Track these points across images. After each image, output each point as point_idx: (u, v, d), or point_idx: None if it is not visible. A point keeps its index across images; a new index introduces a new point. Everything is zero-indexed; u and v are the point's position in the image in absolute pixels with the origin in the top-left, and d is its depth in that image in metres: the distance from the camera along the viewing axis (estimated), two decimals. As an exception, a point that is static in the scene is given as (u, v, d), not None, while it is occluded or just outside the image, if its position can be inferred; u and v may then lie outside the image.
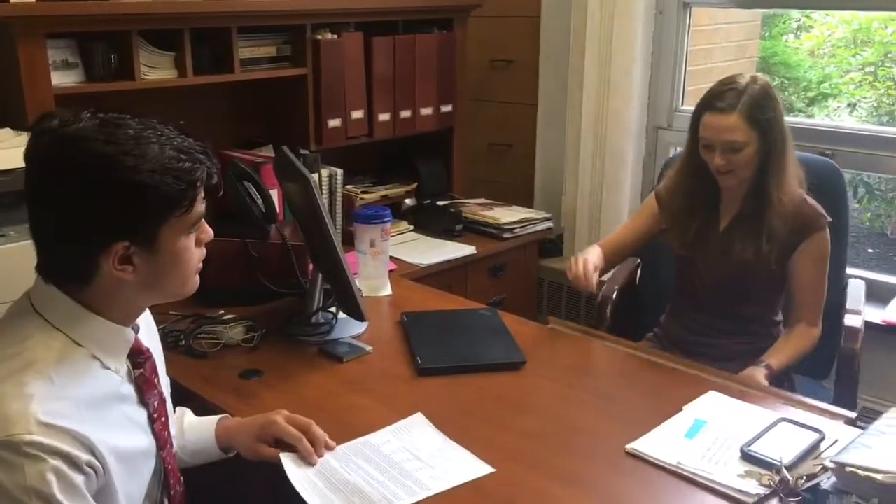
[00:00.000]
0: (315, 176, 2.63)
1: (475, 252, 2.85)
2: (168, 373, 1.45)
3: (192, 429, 1.53)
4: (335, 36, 2.71)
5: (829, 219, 2.03)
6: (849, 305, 2.22)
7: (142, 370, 1.30)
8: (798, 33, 5.19)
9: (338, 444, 1.47)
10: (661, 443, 1.49)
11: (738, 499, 1.33)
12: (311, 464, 1.42)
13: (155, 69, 2.33)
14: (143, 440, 1.30)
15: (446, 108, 3.09)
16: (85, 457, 1.13)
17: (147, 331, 1.37)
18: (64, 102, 2.14)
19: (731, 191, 2.06)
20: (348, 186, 2.87)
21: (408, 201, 3.08)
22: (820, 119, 4.70)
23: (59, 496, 1.08)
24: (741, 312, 2.14)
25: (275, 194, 2.26)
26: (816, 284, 2.07)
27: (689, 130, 2.06)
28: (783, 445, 1.43)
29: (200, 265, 1.30)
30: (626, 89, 3.00)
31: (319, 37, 2.66)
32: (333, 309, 1.99)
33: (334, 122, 2.75)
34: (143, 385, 1.30)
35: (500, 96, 3.52)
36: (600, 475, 1.42)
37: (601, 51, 3.02)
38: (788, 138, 2.00)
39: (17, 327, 1.20)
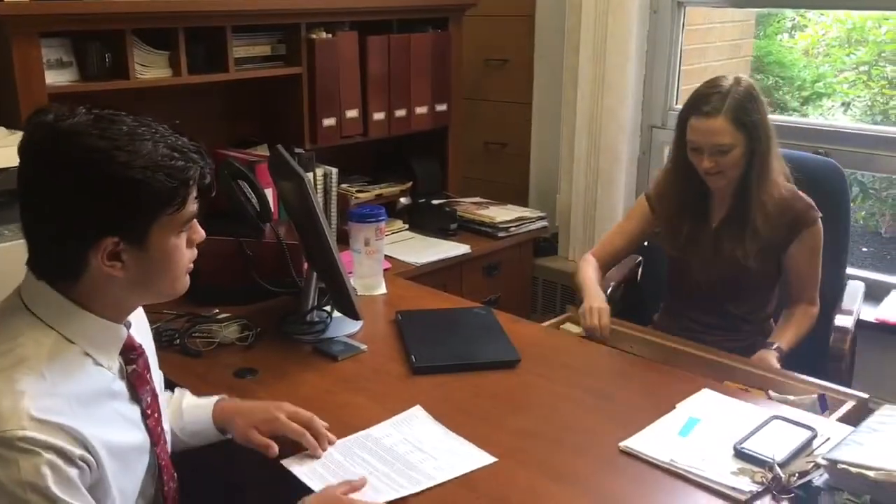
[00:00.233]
0: (310, 175, 2.63)
1: (470, 251, 2.85)
2: (162, 370, 1.45)
3: (191, 409, 1.53)
4: (330, 35, 2.71)
5: (821, 213, 2.04)
6: (844, 305, 2.24)
7: (134, 366, 1.30)
8: (792, 32, 5.20)
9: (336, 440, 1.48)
10: (655, 440, 1.49)
11: (732, 496, 1.34)
12: (315, 457, 1.43)
13: (149, 68, 2.33)
14: (137, 436, 1.30)
15: (441, 108, 3.09)
16: (78, 451, 1.13)
17: (138, 327, 1.36)
18: (58, 101, 2.12)
19: (721, 190, 2.07)
20: (343, 185, 2.87)
21: (402, 200, 3.08)
22: (814, 118, 4.71)
23: (54, 489, 1.09)
24: (734, 310, 2.15)
25: (269, 193, 2.26)
26: (812, 271, 2.10)
27: (676, 134, 2.08)
28: (776, 443, 1.44)
29: (191, 266, 1.30)
30: (621, 88, 3.01)
31: (314, 36, 2.66)
32: (328, 308, 1.99)
33: (329, 121, 2.75)
34: (136, 381, 1.30)
35: (495, 95, 3.52)
36: (594, 473, 1.42)
37: (595, 50, 3.02)
38: (773, 137, 2.02)
39: (7, 324, 1.19)
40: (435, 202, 3.10)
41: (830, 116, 4.84)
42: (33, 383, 1.13)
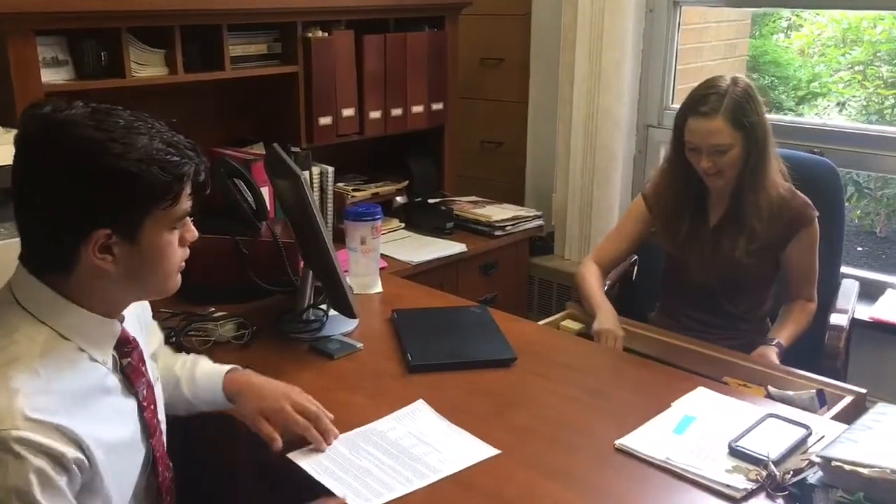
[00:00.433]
0: (306, 173, 2.63)
1: (466, 250, 2.86)
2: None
3: (204, 376, 1.53)
4: (326, 34, 2.71)
5: (818, 213, 2.05)
6: (839, 304, 2.25)
7: (129, 359, 1.30)
8: (788, 32, 5.22)
9: (334, 438, 1.49)
10: (650, 438, 1.49)
11: (726, 493, 1.34)
12: (319, 451, 1.44)
13: (145, 66, 2.33)
14: (131, 430, 1.30)
15: (437, 106, 3.10)
16: (72, 453, 1.12)
17: (134, 319, 1.36)
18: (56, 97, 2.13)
19: (719, 190, 2.08)
20: (339, 184, 2.87)
21: (399, 199, 3.08)
22: (810, 118, 4.72)
23: (40, 497, 1.08)
24: (732, 309, 2.16)
25: (266, 192, 2.26)
26: (811, 268, 2.12)
27: (674, 134, 2.08)
28: (771, 441, 1.44)
29: (183, 265, 1.29)
30: (617, 87, 3.02)
31: (310, 34, 2.66)
32: (324, 306, 1.99)
33: (325, 120, 2.75)
34: (132, 374, 1.30)
35: (491, 94, 3.53)
36: (589, 470, 1.43)
37: (591, 48, 3.03)
38: (770, 136, 2.02)
39: (1, 321, 1.19)
40: (431, 201, 3.10)
41: (826, 116, 4.85)
42: (27, 381, 1.12)
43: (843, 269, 2.48)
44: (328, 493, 1.36)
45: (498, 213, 3.08)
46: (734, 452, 1.43)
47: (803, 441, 1.46)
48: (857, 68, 4.81)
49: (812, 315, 2.13)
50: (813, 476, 1.31)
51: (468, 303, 2.18)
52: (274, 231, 2.13)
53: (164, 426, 1.41)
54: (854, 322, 2.24)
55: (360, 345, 1.88)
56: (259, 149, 2.67)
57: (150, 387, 1.35)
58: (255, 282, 2.07)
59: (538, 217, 3.15)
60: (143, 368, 1.34)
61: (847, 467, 1.25)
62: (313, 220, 1.76)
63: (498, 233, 2.99)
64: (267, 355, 1.83)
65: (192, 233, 1.29)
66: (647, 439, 1.49)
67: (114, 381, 1.27)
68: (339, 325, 1.96)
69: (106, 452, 1.20)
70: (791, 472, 1.35)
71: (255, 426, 1.47)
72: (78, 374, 1.20)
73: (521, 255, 3.17)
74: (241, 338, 1.90)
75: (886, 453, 1.27)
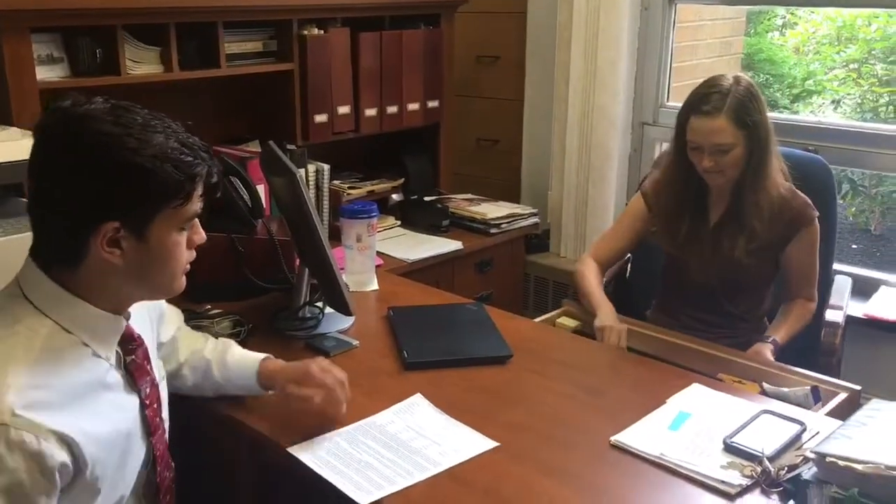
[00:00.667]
0: (301, 171, 2.63)
1: (462, 247, 2.86)
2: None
3: (237, 363, 1.58)
4: (321, 31, 2.71)
5: (818, 213, 2.05)
6: (832, 301, 2.26)
7: (133, 356, 1.31)
8: (783, 30, 5.23)
9: (334, 432, 1.50)
10: (645, 435, 1.50)
11: (721, 489, 1.35)
12: (321, 445, 1.45)
13: (140, 64, 2.32)
14: (130, 427, 1.29)
15: (433, 104, 3.10)
16: (57, 457, 1.12)
17: (140, 317, 1.37)
18: (49, 97, 2.13)
19: (720, 189, 2.07)
20: (335, 182, 2.87)
21: (394, 197, 3.08)
22: (804, 115, 4.73)
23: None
24: (731, 308, 2.16)
25: (261, 190, 2.26)
26: (810, 269, 2.12)
27: (675, 133, 2.07)
28: (765, 437, 1.45)
29: (188, 266, 1.30)
30: (612, 85, 3.02)
31: (306, 32, 2.66)
32: (320, 304, 1.99)
33: (321, 118, 2.75)
34: (135, 371, 1.31)
35: (487, 92, 3.53)
36: (585, 467, 1.43)
37: (587, 46, 3.03)
38: (772, 135, 2.02)
39: (5, 312, 1.20)
40: (427, 199, 3.10)
41: (821, 114, 4.86)
42: (22, 374, 1.12)
43: (837, 267, 2.49)
44: (328, 490, 1.36)
45: (494, 210, 3.08)
46: (729, 448, 1.44)
47: (798, 437, 1.47)
48: (851, 66, 4.82)
49: (811, 314, 2.13)
50: (807, 472, 1.31)
51: (464, 300, 2.18)
52: (270, 229, 2.13)
53: (166, 424, 1.42)
54: (848, 319, 2.25)
55: (356, 342, 1.88)
56: (255, 146, 2.67)
57: (153, 385, 1.36)
58: (251, 279, 2.07)
59: (534, 215, 3.15)
60: (148, 367, 1.35)
61: (841, 463, 1.25)
62: (309, 218, 1.76)
63: (494, 230, 3.00)
64: (263, 352, 1.83)
65: (201, 235, 1.30)
66: (642, 436, 1.50)
67: (115, 377, 1.27)
68: (335, 323, 1.96)
69: (99, 448, 1.19)
70: (785, 469, 1.36)
71: (287, 394, 1.51)
72: (78, 369, 1.20)
73: (517, 253, 3.17)
74: (238, 335, 1.89)
75: (880, 449, 1.27)
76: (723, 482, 1.36)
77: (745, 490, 1.35)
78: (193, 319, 1.92)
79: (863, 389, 1.78)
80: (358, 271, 2.21)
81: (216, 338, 1.87)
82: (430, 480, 1.38)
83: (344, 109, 2.82)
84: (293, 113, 2.69)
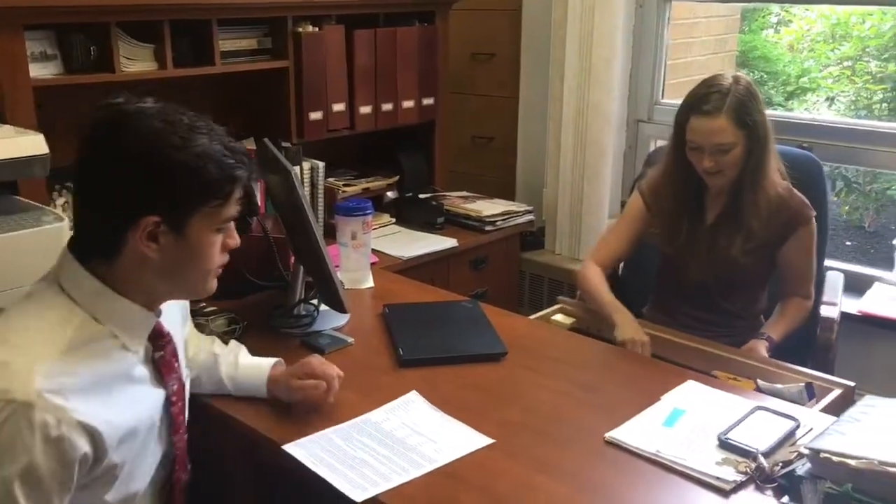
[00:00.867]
0: (296, 169, 2.63)
1: (457, 245, 2.86)
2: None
3: (247, 369, 1.61)
4: (316, 28, 2.70)
5: (815, 212, 2.06)
6: (826, 297, 2.26)
7: (162, 353, 1.33)
8: (777, 28, 5.23)
9: (329, 429, 1.50)
10: (640, 431, 1.50)
11: (716, 486, 1.35)
12: (316, 442, 1.46)
13: (134, 61, 2.32)
14: (154, 422, 1.32)
15: (428, 101, 3.10)
16: (79, 446, 1.13)
17: (171, 316, 1.39)
18: (43, 94, 2.13)
19: (718, 188, 2.07)
20: (330, 179, 2.87)
21: (389, 194, 3.08)
22: (799, 113, 4.74)
23: (18, 492, 1.09)
24: (728, 307, 2.16)
25: (256, 187, 2.26)
26: (807, 267, 2.12)
27: (674, 132, 2.05)
28: (760, 433, 1.46)
29: (220, 270, 1.33)
30: (607, 82, 3.02)
31: (300, 29, 2.66)
32: (315, 301, 1.99)
33: (316, 115, 2.75)
34: (163, 367, 1.33)
35: (482, 89, 3.53)
36: (580, 464, 1.43)
37: (581, 44, 3.03)
38: (771, 135, 2.01)
39: (38, 300, 1.23)
40: (422, 196, 3.10)
41: (815, 111, 4.87)
42: (52, 361, 1.15)
43: (830, 263, 2.49)
44: (323, 487, 1.36)
45: (488, 208, 3.08)
46: (724, 445, 1.44)
47: (792, 433, 1.47)
48: (845, 64, 4.83)
49: (807, 312, 2.13)
50: (801, 468, 1.32)
51: (459, 297, 2.19)
52: (265, 226, 2.12)
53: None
54: (843, 316, 2.26)
55: (351, 339, 1.88)
56: (249, 144, 2.66)
57: (181, 382, 1.38)
58: (246, 277, 2.07)
59: (529, 212, 3.15)
60: (176, 364, 1.37)
61: (835, 459, 1.25)
62: (304, 216, 1.76)
63: (489, 228, 3.00)
64: (258, 350, 1.82)
65: (235, 240, 1.33)
66: (637, 432, 1.50)
67: (142, 371, 1.30)
68: (330, 320, 1.96)
69: (120, 439, 1.21)
70: (780, 464, 1.36)
71: (290, 388, 1.55)
72: (105, 359, 1.22)
73: (512, 250, 3.17)
74: (233, 333, 1.89)
75: (874, 445, 1.28)
76: (717, 478, 1.36)
77: (739, 486, 1.35)
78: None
79: (857, 386, 1.79)
80: (353, 269, 2.21)
81: (208, 335, 1.87)
82: (425, 477, 1.38)
83: (339, 107, 2.81)
84: (288, 110, 2.69)
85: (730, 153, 1.96)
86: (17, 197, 1.84)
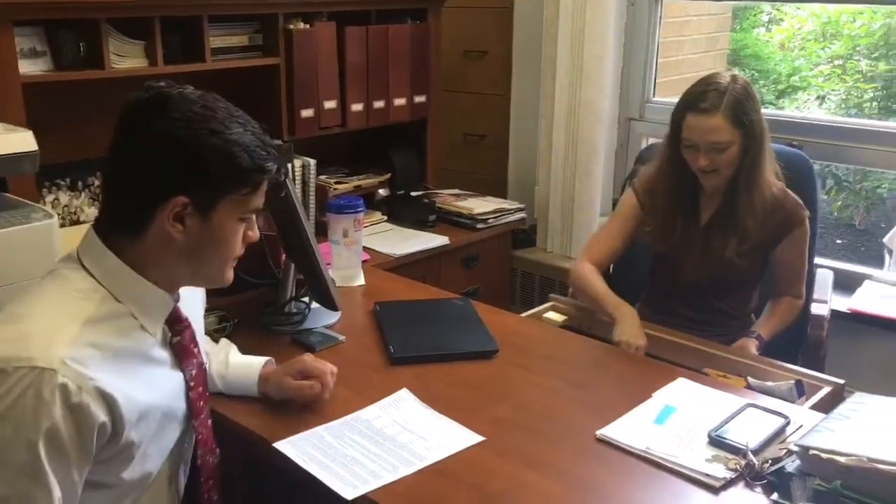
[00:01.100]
0: (288, 166, 2.62)
1: (448, 242, 2.86)
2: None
3: (238, 367, 1.62)
4: (308, 25, 2.70)
5: (809, 213, 2.06)
6: (816, 294, 2.27)
7: (180, 338, 1.35)
8: (768, 26, 5.25)
9: (320, 427, 1.50)
10: (631, 429, 1.51)
11: (706, 482, 1.36)
12: (307, 439, 1.47)
13: (125, 58, 2.31)
14: (172, 404, 1.33)
15: (420, 99, 3.09)
16: (98, 414, 1.15)
17: (189, 302, 1.40)
18: (32, 91, 2.11)
19: (712, 187, 2.06)
20: (321, 177, 2.86)
21: (381, 192, 3.08)
22: (790, 111, 4.75)
23: (44, 456, 1.11)
24: (721, 306, 2.16)
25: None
26: (800, 268, 2.13)
27: (670, 131, 2.05)
28: (750, 430, 1.46)
29: (235, 262, 1.35)
30: (598, 80, 3.02)
31: (292, 26, 2.65)
32: (306, 299, 1.99)
33: (307, 113, 2.74)
34: (181, 352, 1.35)
35: (474, 87, 3.53)
36: (571, 461, 1.44)
37: (573, 42, 3.03)
38: (767, 135, 2.01)
39: (61, 276, 1.25)
40: (413, 194, 3.10)
41: (806, 110, 4.88)
42: (75, 331, 1.16)
43: (819, 261, 2.50)
44: (314, 485, 1.36)
45: (480, 205, 3.08)
46: (714, 442, 1.45)
47: (782, 430, 1.48)
48: (836, 62, 4.84)
49: (798, 311, 2.14)
50: (791, 465, 1.33)
51: (450, 295, 2.19)
52: (256, 224, 2.12)
53: (208, 408, 1.45)
54: (833, 313, 2.27)
55: (342, 337, 1.88)
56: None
57: (200, 368, 1.39)
58: (237, 274, 2.06)
59: (520, 210, 3.15)
60: (195, 349, 1.38)
61: (824, 456, 1.26)
62: (295, 213, 1.75)
63: (480, 225, 3.00)
64: (248, 348, 1.82)
65: (255, 233, 1.35)
66: (627, 430, 1.50)
67: (161, 353, 1.31)
68: (322, 318, 1.96)
69: (138, 414, 1.22)
70: (769, 461, 1.37)
71: (282, 388, 1.55)
72: (125, 336, 1.24)
73: (504, 248, 3.17)
74: (223, 330, 1.89)
75: (863, 442, 1.28)
76: (707, 475, 1.36)
77: (729, 483, 1.35)
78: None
79: (846, 383, 1.80)
80: (344, 266, 2.21)
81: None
82: (416, 475, 1.38)
83: (330, 104, 2.81)
84: (279, 108, 2.68)
85: (725, 152, 1.96)
86: (7, 194, 1.83)
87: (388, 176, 3.08)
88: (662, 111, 2.98)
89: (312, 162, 2.77)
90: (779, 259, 2.10)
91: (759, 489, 1.34)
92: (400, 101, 3.03)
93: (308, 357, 1.60)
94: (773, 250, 2.08)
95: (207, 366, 1.57)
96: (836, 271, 2.51)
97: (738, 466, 1.37)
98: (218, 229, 1.27)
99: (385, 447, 1.45)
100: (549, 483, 1.37)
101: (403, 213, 3.03)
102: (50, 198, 2.35)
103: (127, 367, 1.22)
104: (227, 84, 2.67)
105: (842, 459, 1.24)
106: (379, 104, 2.96)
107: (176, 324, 1.34)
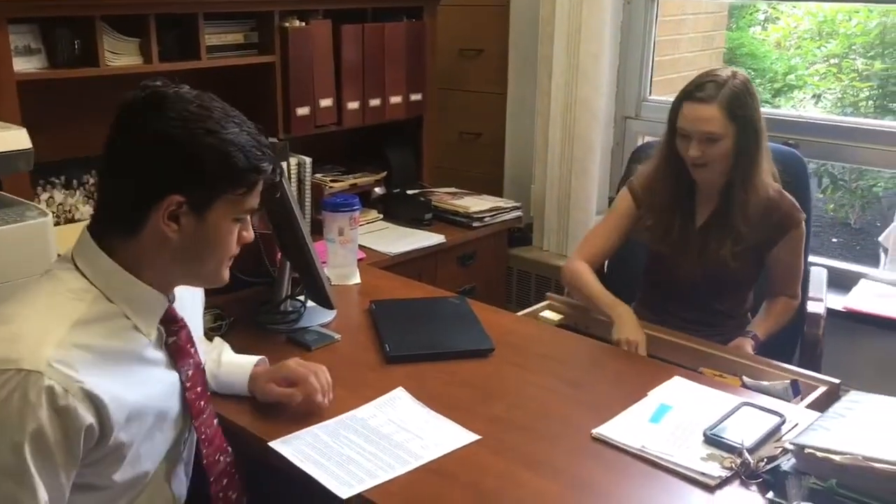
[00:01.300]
0: (283, 164, 2.62)
1: (444, 241, 2.86)
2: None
3: (229, 366, 1.62)
4: (303, 23, 2.69)
5: (805, 214, 2.06)
6: (811, 293, 2.27)
7: (175, 338, 1.34)
8: (765, 25, 5.26)
9: (315, 426, 1.50)
10: (626, 427, 1.51)
11: (701, 481, 1.36)
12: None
13: (120, 55, 2.30)
14: (166, 404, 1.32)
15: (416, 97, 3.09)
16: (84, 417, 1.14)
17: (184, 302, 1.40)
18: (27, 88, 2.11)
19: (708, 187, 2.06)
20: (317, 175, 2.86)
21: (377, 190, 3.07)
22: (786, 110, 4.76)
23: (29, 458, 1.10)
24: (717, 306, 2.16)
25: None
26: (796, 268, 2.13)
27: (668, 123, 2.05)
28: (745, 429, 1.46)
29: (231, 261, 1.34)
30: (595, 79, 3.02)
31: (287, 24, 2.64)
32: (302, 297, 1.99)
33: (303, 111, 2.74)
34: (176, 353, 1.34)
35: (470, 85, 3.52)
36: (566, 460, 1.44)
37: (569, 40, 3.03)
38: (764, 135, 2.00)
39: (54, 276, 1.24)
40: (409, 192, 3.10)
41: (801, 108, 4.89)
42: (65, 333, 1.16)
43: (814, 259, 2.50)
44: (310, 484, 1.36)
45: (476, 204, 3.08)
46: (709, 440, 1.45)
47: (777, 429, 1.48)
48: (832, 61, 4.85)
49: (793, 311, 2.14)
50: (786, 463, 1.32)
51: (447, 294, 2.18)
52: (251, 222, 2.11)
53: (212, 407, 1.44)
54: (828, 312, 2.27)
55: (337, 336, 1.88)
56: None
57: (197, 368, 1.38)
58: (232, 273, 2.05)
59: (516, 208, 3.15)
60: (191, 349, 1.38)
61: (820, 454, 1.26)
62: (291, 211, 1.75)
63: (476, 224, 2.99)
64: (244, 346, 1.82)
65: (250, 233, 1.35)
66: (623, 428, 1.50)
67: (155, 354, 1.31)
68: (317, 317, 1.96)
69: (127, 416, 1.22)
70: (765, 460, 1.37)
71: (266, 394, 1.55)
72: (117, 337, 1.24)
73: (500, 247, 3.17)
74: (219, 329, 1.89)
75: (858, 440, 1.28)
76: (703, 474, 1.36)
77: (724, 482, 1.35)
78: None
79: (842, 382, 1.80)
80: (340, 265, 2.20)
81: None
82: (411, 474, 1.38)
83: (326, 102, 2.80)
84: (275, 106, 2.67)
85: (717, 144, 1.95)
86: (1, 192, 1.82)
87: (384, 174, 3.08)
88: (658, 109, 2.98)
89: (308, 160, 2.77)
90: (775, 260, 2.09)
91: (754, 488, 1.34)
92: (396, 100, 3.02)
93: (293, 362, 1.58)
94: (768, 252, 2.08)
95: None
96: (832, 270, 2.51)
97: (733, 465, 1.37)
98: (213, 229, 1.27)
99: (380, 446, 1.45)
100: (544, 482, 1.37)
101: (399, 211, 3.02)
102: (44, 196, 2.34)
103: (117, 368, 1.22)
104: (223, 82, 2.67)
105: (837, 458, 1.24)
106: (375, 102, 2.96)
107: (171, 324, 1.34)
